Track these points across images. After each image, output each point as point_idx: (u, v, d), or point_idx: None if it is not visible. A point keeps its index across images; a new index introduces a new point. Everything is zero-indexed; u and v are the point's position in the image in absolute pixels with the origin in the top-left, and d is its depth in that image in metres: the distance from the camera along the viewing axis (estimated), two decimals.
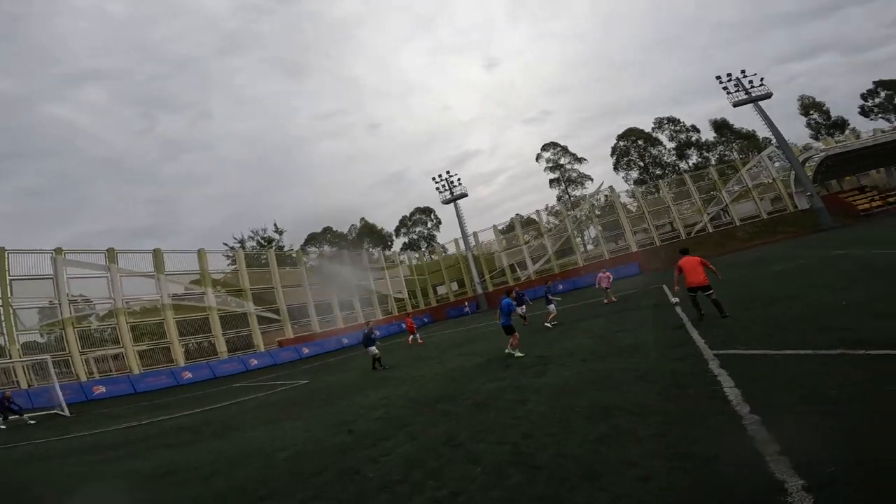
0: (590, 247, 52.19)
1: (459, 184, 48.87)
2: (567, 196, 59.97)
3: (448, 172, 49.11)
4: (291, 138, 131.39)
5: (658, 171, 56.42)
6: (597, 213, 47.79)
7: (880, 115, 50.61)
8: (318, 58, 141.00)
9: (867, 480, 2.63)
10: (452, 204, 48.73)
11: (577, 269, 43.85)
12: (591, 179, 61.07)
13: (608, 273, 19.18)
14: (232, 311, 31.04)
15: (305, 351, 30.82)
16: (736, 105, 40.57)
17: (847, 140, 41.00)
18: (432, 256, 66.94)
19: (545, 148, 63.23)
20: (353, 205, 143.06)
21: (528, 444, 4.44)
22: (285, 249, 53.62)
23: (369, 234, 71.90)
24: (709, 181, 44.34)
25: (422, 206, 71.73)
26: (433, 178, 49.41)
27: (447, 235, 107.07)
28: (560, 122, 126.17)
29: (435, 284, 51.97)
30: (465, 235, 48.41)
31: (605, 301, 18.54)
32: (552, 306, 15.59)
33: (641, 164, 58.41)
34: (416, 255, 56.56)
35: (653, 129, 58.27)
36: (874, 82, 52.85)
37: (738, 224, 42.44)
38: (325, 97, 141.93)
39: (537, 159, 64.10)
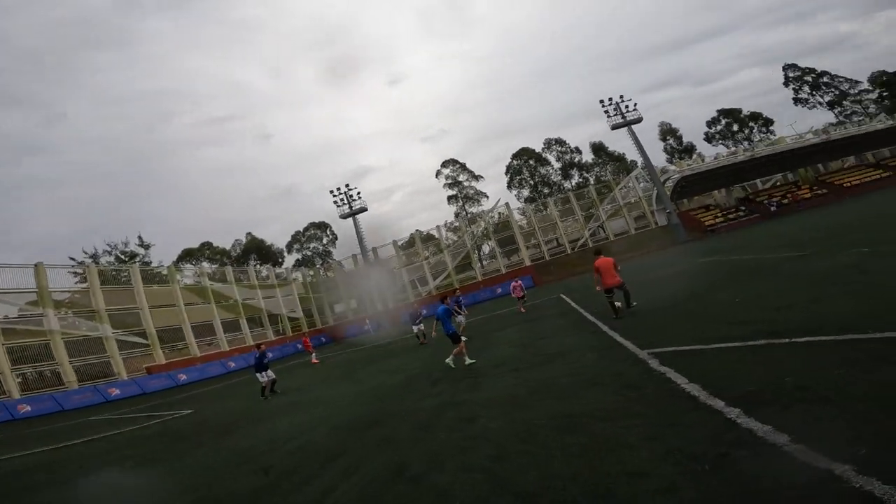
0: (486, 262, 54.22)
1: (359, 197, 47.45)
2: (465, 212, 61.78)
3: (347, 186, 47.47)
4: (168, 144, 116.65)
5: (546, 190, 61.14)
6: (491, 229, 49.81)
7: (720, 142, 61.07)
8: (208, 60, 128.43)
9: None
10: (351, 219, 47.04)
11: (476, 283, 45.01)
12: (487, 197, 63.96)
13: (521, 282, 19.70)
14: (82, 335, 25.66)
15: (182, 377, 26.73)
16: (614, 128, 45.72)
17: (695, 163, 48.65)
18: (328, 273, 63.92)
19: (445, 165, 64.74)
20: (239, 219, 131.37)
21: (503, 467, 3.80)
22: (153, 266, 46.66)
23: (256, 250, 66.22)
24: (589, 199, 49.05)
25: (317, 221, 68.36)
26: (331, 192, 47.32)
27: (345, 251, 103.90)
28: (456, 141, 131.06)
29: (333, 302, 49.30)
30: (364, 251, 46.92)
31: (522, 309, 18.77)
32: (461, 318, 15.26)
33: (532, 182, 62.81)
34: (311, 272, 53.26)
35: (543, 149, 63.33)
36: (717, 111, 63.54)
37: (612, 239, 47.37)
38: (213, 102, 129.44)
39: (437, 175, 65.35)
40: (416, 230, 51.81)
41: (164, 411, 14.29)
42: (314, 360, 20.58)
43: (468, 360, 9.37)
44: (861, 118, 53.33)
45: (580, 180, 61.88)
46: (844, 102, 57.51)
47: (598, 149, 62.94)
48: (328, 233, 69.23)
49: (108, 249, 48.82)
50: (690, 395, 4.40)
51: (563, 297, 20.15)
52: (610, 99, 45.18)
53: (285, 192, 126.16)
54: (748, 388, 4.19)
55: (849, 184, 42.73)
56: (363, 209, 47.46)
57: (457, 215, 62.13)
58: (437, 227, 49.60)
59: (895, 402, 3.16)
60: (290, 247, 67.52)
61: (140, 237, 53.24)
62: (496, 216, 54.34)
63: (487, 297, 41.18)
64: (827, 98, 58.40)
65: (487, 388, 6.94)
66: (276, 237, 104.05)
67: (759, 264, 12.98)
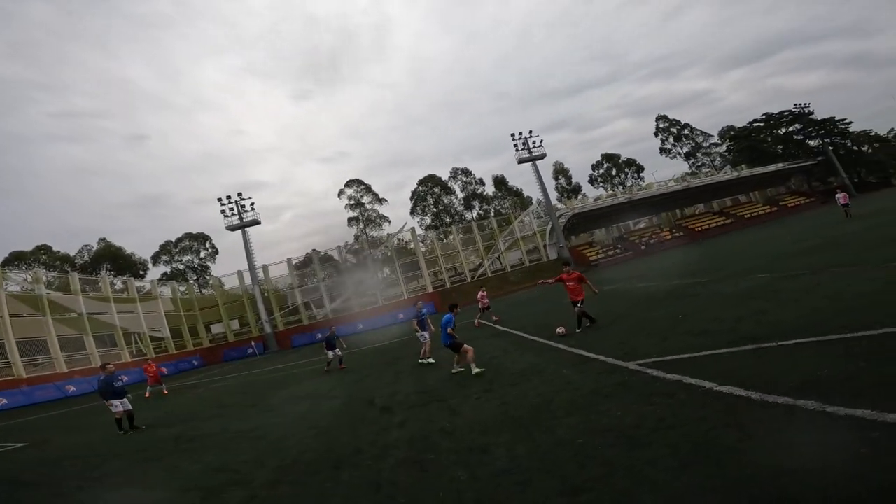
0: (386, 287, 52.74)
1: (252, 209, 43.02)
2: (365, 235, 59.85)
3: (240, 195, 42.81)
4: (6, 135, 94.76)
5: (448, 219, 62.18)
6: (394, 253, 48.81)
7: (601, 184, 68.29)
8: (82, 48, 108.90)
9: None
10: (240, 232, 42.28)
11: (377, 308, 43.25)
12: (389, 221, 62.93)
13: (485, 293, 18.84)
14: None
15: (2, 402, 20.80)
16: (520, 162, 48.19)
17: (582, 203, 53.69)
18: (202, 291, 56.41)
19: (349, 184, 62.43)
20: (93, 226, 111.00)
21: (586, 499, 2.92)
22: None
23: (112, 258, 56.14)
24: (489, 230, 50.97)
25: (195, 231, 60.59)
26: (219, 199, 42.25)
27: (226, 268, 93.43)
28: (356, 165, 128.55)
29: (208, 322, 43.28)
30: (252, 268, 42.30)
31: (495, 318, 17.69)
32: (424, 335, 11.86)
33: (435, 210, 63.45)
34: (184, 288, 46.40)
35: (449, 178, 64.62)
36: (602, 155, 70.85)
37: (508, 270, 49.58)
38: (77, 93, 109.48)
39: (339, 195, 62.67)
40: (314, 249, 48.69)
41: None
42: (163, 392, 17.25)
43: (476, 370, 8.07)
44: (709, 170, 64.19)
45: (480, 212, 64.30)
46: (698, 154, 68.61)
47: (499, 182, 66.28)
48: (207, 245, 61.71)
49: None
50: (735, 395, 4.07)
51: (478, 321, 19.94)
52: (520, 133, 47.73)
53: (154, 199, 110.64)
54: (790, 382, 3.98)
55: (700, 228, 50.78)
56: (255, 222, 43.09)
57: (356, 237, 59.96)
58: (338, 247, 47.16)
59: None
60: (157, 258, 58.55)
61: None
62: (398, 241, 53.68)
63: (388, 324, 39.70)
64: (685, 149, 69.15)
65: (469, 409, 5.95)
66: (140, 248, 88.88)
67: (669, 290, 14.03)
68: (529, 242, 51.74)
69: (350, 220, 62.31)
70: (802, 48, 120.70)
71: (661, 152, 69.91)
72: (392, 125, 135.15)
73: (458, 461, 4.11)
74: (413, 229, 50.07)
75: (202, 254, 61.19)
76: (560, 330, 9.94)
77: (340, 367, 13.66)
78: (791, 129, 63.45)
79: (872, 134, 63.98)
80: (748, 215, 52.38)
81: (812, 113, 62.01)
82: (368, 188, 62.18)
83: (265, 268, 44.00)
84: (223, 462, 5.86)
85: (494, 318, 17.74)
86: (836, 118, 61.27)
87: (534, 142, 47.53)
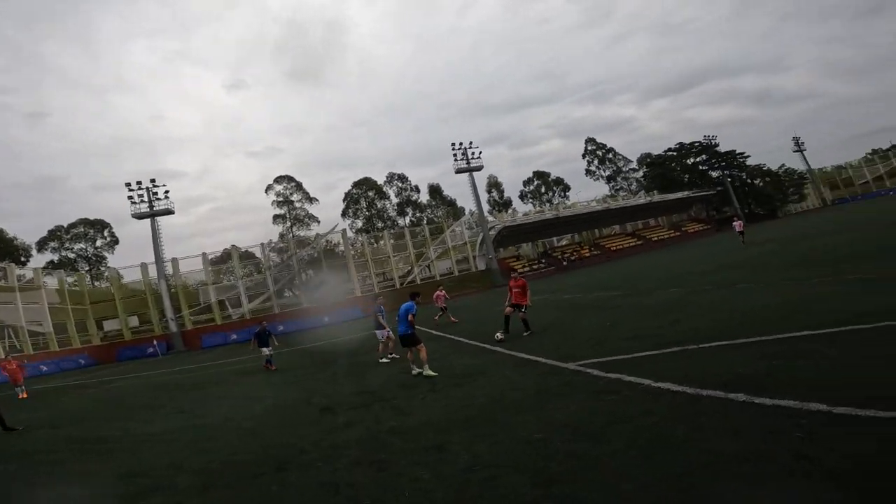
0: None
1: (166, 197, 39.12)
2: (291, 235, 57.03)
3: (153, 181, 38.79)
4: None
5: (380, 224, 61.19)
6: (317, 254, 47.04)
7: (531, 201, 71.09)
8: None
9: None
10: (148, 221, 38.22)
11: (301, 310, 41.30)
12: (318, 222, 60.55)
13: (444, 292, 18.16)
14: None
15: None
16: (458, 172, 48.58)
17: (513, 217, 55.65)
18: (96, 283, 50.21)
19: (278, 180, 59.13)
20: None
21: (567, 490, 2.95)
22: None
23: None
24: (422, 238, 51.03)
25: (91, 217, 53.95)
26: (127, 184, 37.90)
27: (127, 260, 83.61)
28: (287, 163, 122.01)
29: (101, 318, 38.54)
30: (160, 260, 38.35)
31: (454, 320, 17.16)
32: (387, 332, 10.99)
33: (368, 213, 62.10)
34: (74, 279, 40.94)
35: (385, 182, 63.59)
36: (533, 172, 73.27)
37: (438, 278, 49.92)
38: None
39: (266, 191, 59.15)
40: (233, 245, 45.46)
41: None
42: (22, 395, 14.49)
43: (428, 372, 7.73)
44: (626, 194, 69.48)
45: (413, 219, 64.11)
46: (618, 178, 73.99)
47: (434, 191, 66.53)
48: (105, 234, 55.19)
49: None
50: (672, 390, 4.39)
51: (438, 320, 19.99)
52: (460, 143, 48.22)
53: (47, 182, 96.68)
54: (720, 379, 4.38)
55: (615, 247, 54.88)
56: (168, 211, 39.23)
57: (282, 236, 56.97)
58: (261, 244, 44.46)
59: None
60: (43, 244, 51.22)
61: None
62: (327, 242, 51.92)
63: (313, 326, 38.03)
64: (608, 172, 74.16)
65: (417, 409, 5.78)
66: (26, 232, 76.05)
67: (592, 301, 14.92)
68: (460, 252, 52.54)
69: (276, 217, 59.14)
70: (719, 81, 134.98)
71: (586, 174, 74.46)
72: (331, 125, 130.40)
73: (417, 461, 3.95)
74: (344, 231, 48.70)
75: (98, 242, 54.58)
76: (498, 335, 10.12)
77: (270, 368, 12.69)
78: (698, 159, 70.59)
79: (765, 168, 72.20)
80: (655, 238, 57.62)
81: (717, 145, 69.57)
82: (299, 186, 59.52)
83: (175, 261, 40.17)
84: (130, 467, 5.17)
85: (453, 320, 17.04)
86: (737, 151, 69.28)
87: (472, 153, 48.42)
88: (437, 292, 18.34)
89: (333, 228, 49.22)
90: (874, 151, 71.67)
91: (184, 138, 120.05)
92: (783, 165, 73.28)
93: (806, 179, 71.16)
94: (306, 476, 4.04)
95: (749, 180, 70.26)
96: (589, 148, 74.00)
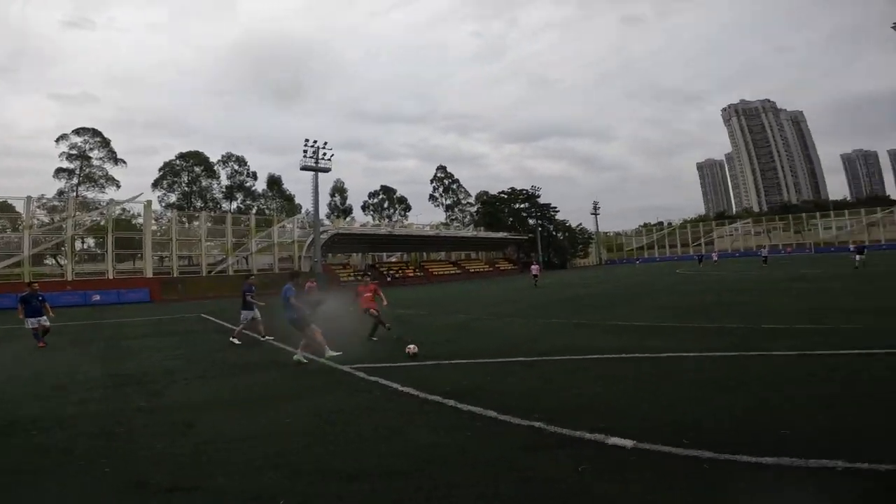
0: (85, 261, 41.64)
1: None
2: (75, 194, 46.17)
3: None
4: None
5: (199, 203, 54.04)
6: (111, 224, 39.41)
7: (373, 213, 71.42)
8: None
9: None
10: None
11: (64, 283, 33.65)
12: (119, 186, 50.45)
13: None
14: None
15: None
16: (303, 169, 45.91)
17: (348, 225, 55.42)
18: None
19: (79, 132, 47.50)
20: None
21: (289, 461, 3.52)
22: None
23: None
24: (246, 227, 46.99)
25: None
26: None
27: None
28: (102, 115, 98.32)
29: None
30: None
31: (388, 326, 14.87)
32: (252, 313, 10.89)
33: (189, 190, 54.19)
34: None
35: (218, 161, 56.37)
36: (381, 186, 74.30)
37: (255, 272, 46.49)
38: None
39: (58, 140, 46.91)
40: None
41: None
42: None
43: (329, 353, 7.72)
44: (458, 225, 75.57)
45: (242, 206, 58.54)
46: (456, 209, 79.96)
47: (273, 182, 61.97)
48: None
49: None
50: (411, 393, 5.44)
51: (205, 316, 18.62)
52: (314, 141, 45.66)
53: None
54: (446, 388, 5.62)
55: (436, 272, 59.28)
56: None
57: (61, 193, 45.81)
58: (28, 196, 35.10)
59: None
60: None
61: None
62: (122, 210, 43.84)
63: (77, 303, 31.35)
64: (448, 201, 79.58)
65: (175, 393, 5.75)
66: None
67: (398, 316, 16.15)
68: (286, 250, 50.05)
69: (59, 171, 47.38)
70: (562, 139, 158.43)
71: (430, 199, 79.21)
72: (177, 84, 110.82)
73: (158, 433, 4.17)
74: (149, 202, 41.81)
75: None
76: (411, 348, 8.28)
77: (40, 345, 10.57)
78: (522, 206, 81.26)
79: (567, 224, 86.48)
80: (472, 270, 64.35)
81: (539, 196, 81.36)
82: (106, 142, 49.06)
83: None
84: None
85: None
86: (551, 205, 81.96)
87: (324, 154, 46.94)
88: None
89: (135, 197, 41.92)
90: (645, 224, 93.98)
91: None
92: (580, 224, 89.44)
93: (593, 239, 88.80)
94: (34, 440, 3.92)
95: (555, 232, 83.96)
96: (438, 175, 79.11)
